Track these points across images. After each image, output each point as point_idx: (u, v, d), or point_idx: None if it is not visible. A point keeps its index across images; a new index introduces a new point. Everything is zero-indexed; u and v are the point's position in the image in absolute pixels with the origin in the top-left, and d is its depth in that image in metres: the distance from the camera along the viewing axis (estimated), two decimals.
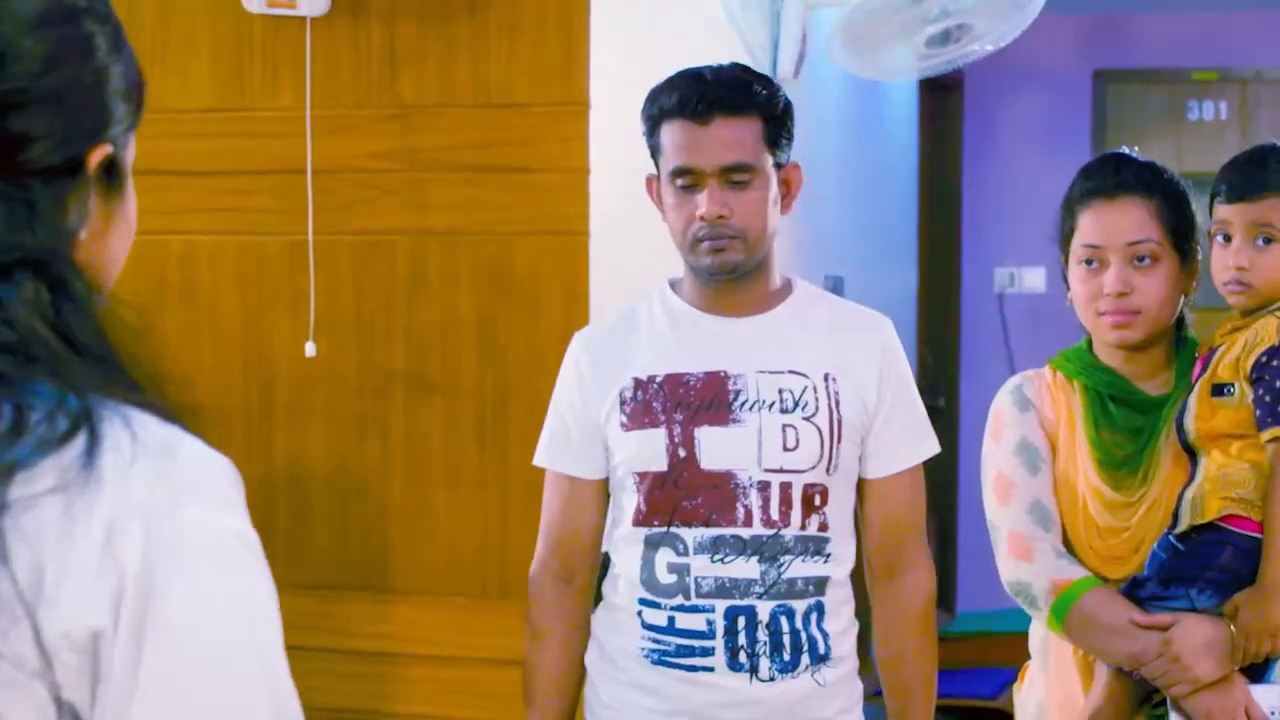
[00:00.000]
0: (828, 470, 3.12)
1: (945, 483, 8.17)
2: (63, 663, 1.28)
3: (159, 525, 1.31)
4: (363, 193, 4.21)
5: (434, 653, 4.20)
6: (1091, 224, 3.14)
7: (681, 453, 3.10)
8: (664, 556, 3.12)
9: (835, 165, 6.60)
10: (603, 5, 4.08)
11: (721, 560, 3.08)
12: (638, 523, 3.14)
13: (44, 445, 1.30)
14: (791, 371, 3.13)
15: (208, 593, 1.33)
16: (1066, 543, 3.16)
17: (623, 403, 3.16)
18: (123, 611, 1.29)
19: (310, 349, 4.19)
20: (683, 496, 3.10)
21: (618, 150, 4.15)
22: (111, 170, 1.46)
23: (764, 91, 3.13)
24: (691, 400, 3.11)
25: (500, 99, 4.11)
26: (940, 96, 8.73)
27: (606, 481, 3.24)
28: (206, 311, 4.36)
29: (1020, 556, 3.15)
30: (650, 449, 3.12)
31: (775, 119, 3.13)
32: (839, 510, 3.15)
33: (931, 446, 3.27)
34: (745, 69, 3.19)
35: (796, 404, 3.11)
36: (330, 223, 4.21)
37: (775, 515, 3.08)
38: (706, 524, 3.09)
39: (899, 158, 8.11)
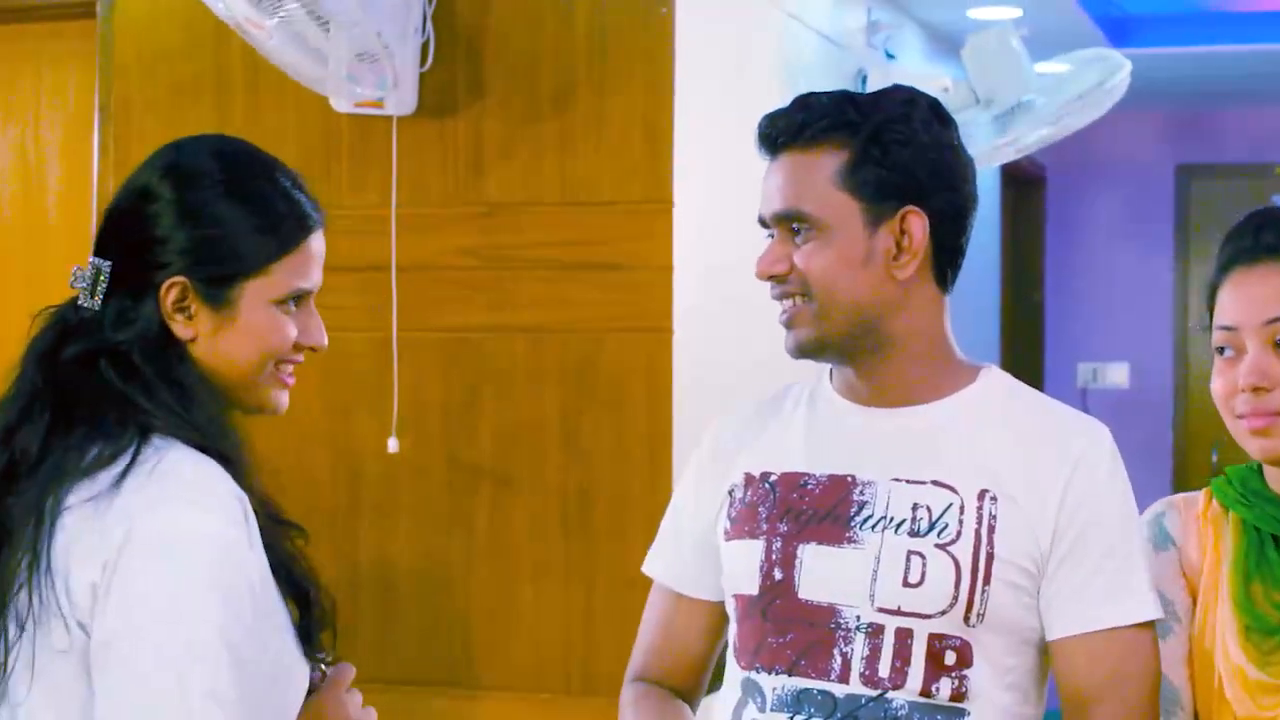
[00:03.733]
0: (967, 619, 2.29)
1: None
2: (79, 602, 1.98)
3: (137, 521, 1.99)
4: (448, 290, 4.24)
5: None
6: (1229, 299, 2.38)
7: (777, 574, 2.36)
8: (749, 712, 2.38)
9: None
10: (686, 104, 4.11)
11: None
12: (736, 660, 2.43)
13: (91, 467, 2.03)
14: (935, 483, 2.34)
15: (149, 567, 1.98)
16: None
17: (730, 503, 2.47)
18: (105, 573, 1.98)
19: (393, 444, 4.21)
20: (770, 632, 2.36)
21: (702, 248, 4.17)
22: (199, 295, 2.13)
23: (850, 116, 2.36)
24: (804, 509, 2.38)
25: (585, 197, 4.13)
26: (1023, 191, 8.73)
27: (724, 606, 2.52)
28: (292, 407, 4.37)
29: None
30: (745, 565, 2.40)
31: (867, 151, 2.34)
32: (994, 675, 2.32)
33: (1138, 608, 2.33)
34: (848, 94, 2.41)
35: (932, 526, 2.31)
36: (415, 320, 4.24)
37: (884, 672, 2.29)
38: (790, 671, 2.33)
39: (981, 253, 8.10)
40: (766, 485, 2.42)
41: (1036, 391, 2.49)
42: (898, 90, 2.42)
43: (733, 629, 2.44)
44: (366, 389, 4.30)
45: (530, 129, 4.17)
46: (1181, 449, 8.77)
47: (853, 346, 2.38)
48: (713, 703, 2.49)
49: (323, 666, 2.21)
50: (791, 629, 2.34)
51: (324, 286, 4.26)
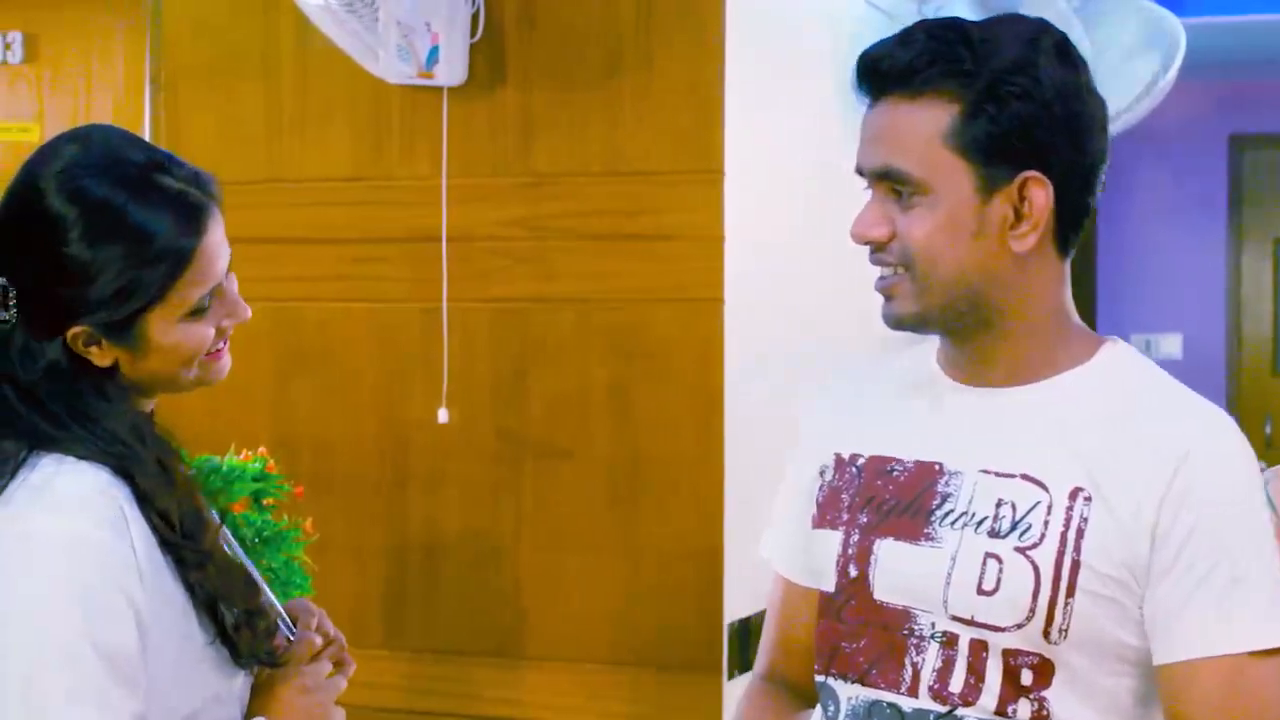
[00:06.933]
0: (1046, 634, 2.00)
1: None
2: None
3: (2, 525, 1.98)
4: (497, 260, 4.23)
5: (565, 719, 4.20)
6: None
7: (852, 571, 2.13)
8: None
9: None
10: (737, 72, 4.08)
11: None
12: (815, 662, 2.22)
13: None
14: (1025, 477, 2.05)
15: (7, 566, 1.96)
16: None
17: (820, 486, 2.23)
18: None
19: (443, 415, 4.21)
20: (845, 635, 2.14)
21: (752, 217, 4.15)
22: (104, 336, 2.08)
23: (963, 63, 2.03)
24: (886, 498, 2.13)
25: (634, 167, 4.12)
26: None
27: None
28: (341, 378, 4.39)
29: None
30: (825, 559, 2.17)
31: (980, 107, 2.03)
32: (1083, 699, 2.03)
33: (1253, 633, 1.98)
34: (961, 29, 2.07)
35: (1014, 526, 2.03)
36: (464, 290, 4.24)
37: (955, 687, 2.04)
38: (863, 681, 2.11)
39: None
40: (854, 469, 2.18)
41: (1159, 372, 2.18)
42: (1019, 24, 2.08)
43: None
44: (416, 360, 4.29)
45: (578, 98, 4.15)
46: (1235, 420, 8.72)
47: (957, 322, 2.10)
48: None
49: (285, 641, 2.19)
50: (865, 634, 2.12)
51: (374, 257, 4.31)
